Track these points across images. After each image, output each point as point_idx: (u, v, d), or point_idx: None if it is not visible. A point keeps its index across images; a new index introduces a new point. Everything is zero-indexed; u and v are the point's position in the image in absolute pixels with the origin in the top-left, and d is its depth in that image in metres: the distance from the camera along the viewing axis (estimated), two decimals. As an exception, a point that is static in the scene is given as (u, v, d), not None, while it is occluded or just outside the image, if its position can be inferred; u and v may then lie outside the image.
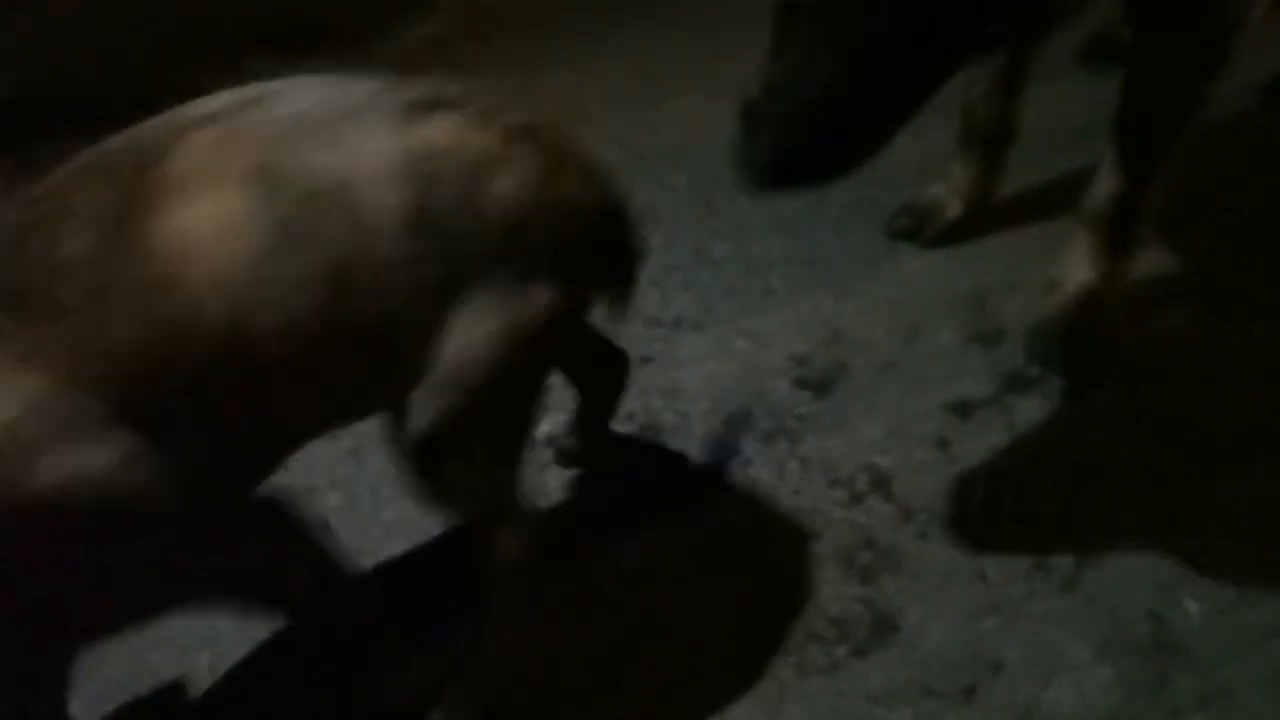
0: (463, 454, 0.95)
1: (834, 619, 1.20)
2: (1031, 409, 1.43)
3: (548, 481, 1.38)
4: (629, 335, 1.61)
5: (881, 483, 1.36)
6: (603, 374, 1.34)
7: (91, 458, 0.79)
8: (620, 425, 1.44)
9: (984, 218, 1.75)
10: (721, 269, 1.74)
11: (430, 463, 0.95)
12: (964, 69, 1.03)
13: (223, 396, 0.83)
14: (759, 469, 1.40)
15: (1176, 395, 1.41)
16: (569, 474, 1.39)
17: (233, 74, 2.31)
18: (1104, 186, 1.37)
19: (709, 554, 1.29)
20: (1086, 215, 1.41)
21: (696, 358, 1.58)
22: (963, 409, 1.45)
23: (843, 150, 0.99)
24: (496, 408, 0.94)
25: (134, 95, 2.25)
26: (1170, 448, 1.33)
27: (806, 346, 1.58)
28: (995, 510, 1.29)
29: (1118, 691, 1.09)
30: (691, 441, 1.44)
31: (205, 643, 1.19)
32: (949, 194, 1.71)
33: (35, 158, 2.11)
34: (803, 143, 0.97)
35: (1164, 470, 1.30)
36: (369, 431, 1.07)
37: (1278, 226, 1.67)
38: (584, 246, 0.96)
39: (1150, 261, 1.53)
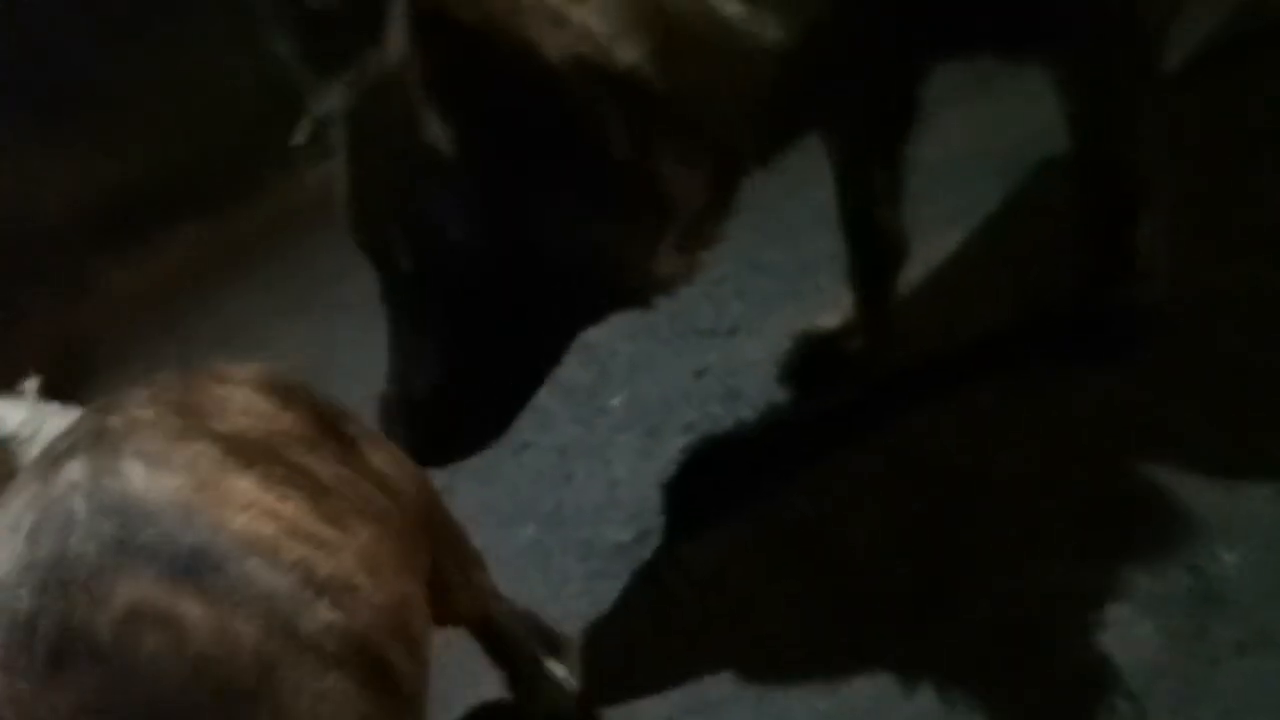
0: None
1: (892, 596, 1.29)
2: (1071, 375, 1.48)
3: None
4: (688, 348, 1.74)
5: (932, 464, 1.44)
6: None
7: None
8: (679, 436, 1.56)
9: (1022, 191, 1.80)
10: (773, 273, 1.83)
11: None
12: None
13: None
14: (816, 465, 1.49)
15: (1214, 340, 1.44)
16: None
17: (322, 139, 2.52)
18: None
19: (776, 551, 1.40)
20: None
21: (753, 363, 1.68)
22: (1002, 386, 1.51)
23: (472, 430, 1.11)
24: None
25: (235, 176, 2.48)
26: (1191, 402, 1.37)
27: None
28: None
29: (1159, 645, 1.15)
30: (754, 446, 1.55)
31: None
32: (845, 327, 1.58)
33: (152, 249, 2.35)
34: (430, 430, 1.07)
35: (1191, 430, 1.34)
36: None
37: None
38: None
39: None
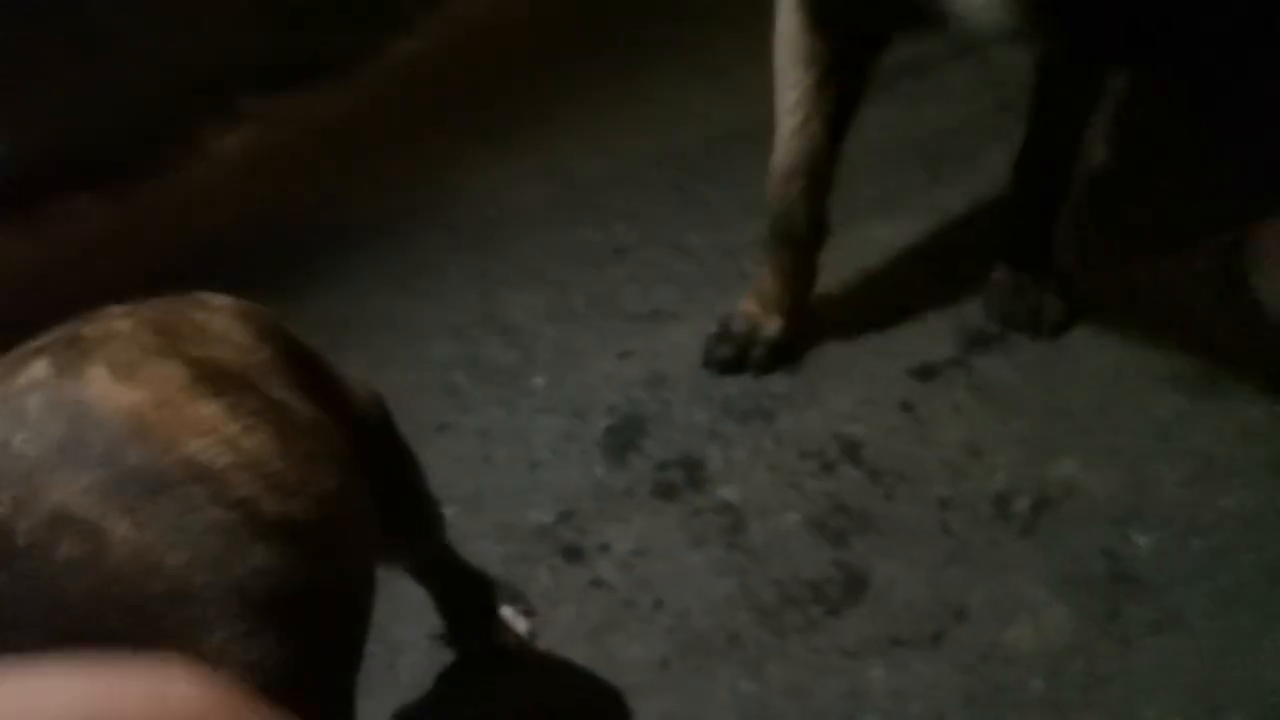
0: None
1: (809, 582, 1.29)
2: (991, 365, 1.50)
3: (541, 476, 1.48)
4: (611, 330, 1.71)
5: (851, 450, 1.44)
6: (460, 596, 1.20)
7: None
8: (602, 418, 1.54)
9: (948, 181, 1.82)
10: (698, 258, 1.82)
11: None
12: None
13: None
14: (738, 448, 1.48)
15: (1125, 334, 1.48)
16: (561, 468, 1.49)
17: (229, 115, 2.43)
18: None
19: (695, 531, 1.39)
20: None
21: (677, 346, 1.66)
22: (927, 372, 1.53)
23: None
24: None
25: (138, 149, 2.38)
26: (1115, 385, 1.40)
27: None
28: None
29: (1073, 626, 1.17)
30: (674, 429, 1.53)
31: None
32: (765, 312, 1.56)
33: (49, 219, 2.24)
34: None
35: (1111, 407, 1.37)
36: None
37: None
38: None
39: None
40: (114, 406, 0.65)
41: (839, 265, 1.73)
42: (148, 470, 0.62)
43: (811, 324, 1.59)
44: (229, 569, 0.61)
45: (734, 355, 1.57)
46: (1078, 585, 1.21)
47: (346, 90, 2.39)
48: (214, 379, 0.70)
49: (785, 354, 1.57)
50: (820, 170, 1.46)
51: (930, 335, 1.58)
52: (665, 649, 1.24)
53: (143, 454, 0.63)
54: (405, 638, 1.27)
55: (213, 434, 0.66)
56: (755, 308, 1.57)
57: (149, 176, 2.30)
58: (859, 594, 1.26)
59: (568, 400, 1.60)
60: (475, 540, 1.43)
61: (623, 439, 1.53)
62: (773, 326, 1.57)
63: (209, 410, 0.68)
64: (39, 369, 0.67)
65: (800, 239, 1.52)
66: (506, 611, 1.25)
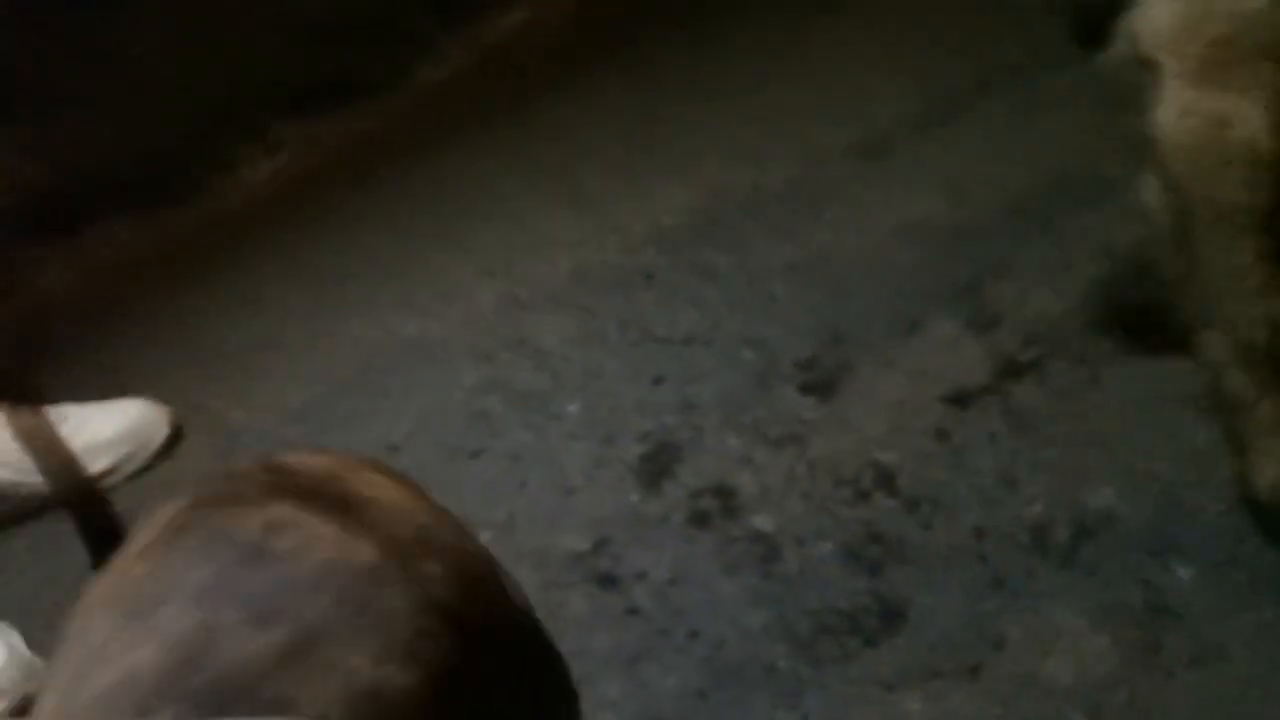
0: None
1: (845, 612, 1.29)
2: (1028, 394, 1.50)
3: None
4: (641, 356, 1.72)
5: (886, 478, 1.44)
6: None
7: None
8: (635, 445, 1.55)
9: (972, 202, 1.82)
10: (725, 283, 1.83)
11: None
12: None
13: None
14: (771, 475, 1.49)
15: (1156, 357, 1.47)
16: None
17: (262, 141, 2.46)
18: None
19: (730, 559, 1.39)
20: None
21: (707, 373, 1.67)
22: (962, 399, 1.52)
23: None
24: None
25: (174, 175, 2.41)
26: (1149, 411, 1.39)
27: (811, 350, 1.66)
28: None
29: (1113, 658, 1.16)
30: (707, 455, 1.53)
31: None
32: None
33: (85, 247, 2.27)
34: None
35: (1146, 434, 1.36)
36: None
37: None
38: None
39: None
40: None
41: (867, 289, 1.73)
42: (345, 497, 0.73)
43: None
44: (412, 567, 0.70)
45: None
46: (1117, 616, 1.20)
47: (377, 114, 2.42)
48: None
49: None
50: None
51: (964, 361, 1.58)
52: (701, 679, 1.24)
53: (341, 488, 0.75)
54: None
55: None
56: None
57: (185, 202, 2.33)
58: (896, 625, 1.26)
59: (600, 426, 1.61)
60: (510, 567, 1.43)
61: (656, 465, 1.54)
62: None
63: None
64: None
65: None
66: None
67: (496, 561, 0.86)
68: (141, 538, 0.70)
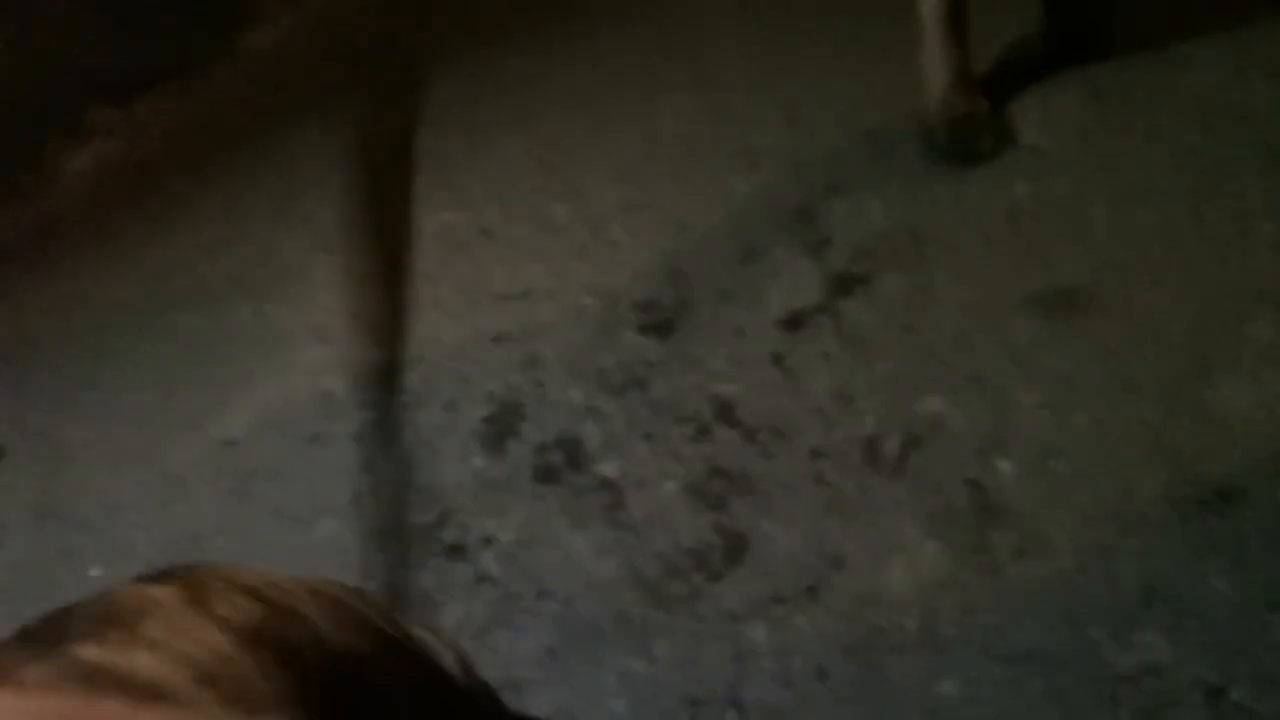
0: None
1: (691, 550, 1.29)
2: (856, 309, 1.51)
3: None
4: (481, 315, 1.69)
5: (725, 411, 1.44)
6: None
7: None
8: (479, 408, 1.52)
9: (805, 126, 1.81)
10: (565, 232, 1.80)
11: None
12: None
13: None
14: (615, 422, 1.48)
15: (980, 261, 1.49)
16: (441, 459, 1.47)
17: (75, 130, 2.32)
18: None
19: (577, 513, 1.38)
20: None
21: (550, 325, 1.65)
22: (795, 322, 1.53)
23: None
24: None
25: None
26: (974, 314, 1.41)
27: (651, 291, 1.65)
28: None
29: (945, 562, 1.19)
30: (551, 409, 1.52)
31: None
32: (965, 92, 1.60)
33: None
34: None
35: (972, 337, 1.38)
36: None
37: None
38: None
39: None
40: None
41: (706, 223, 1.72)
42: None
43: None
44: None
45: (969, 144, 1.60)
46: (946, 520, 1.23)
47: (196, 92, 2.31)
48: None
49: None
50: None
51: (798, 284, 1.58)
52: (552, 638, 1.24)
53: None
54: None
55: None
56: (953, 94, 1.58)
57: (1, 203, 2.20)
58: (739, 556, 1.27)
59: (441, 393, 1.58)
60: (358, 549, 1.41)
61: (500, 426, 1.52)
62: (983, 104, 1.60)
63: None
64: None
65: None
66: None
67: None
68: None
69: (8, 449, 1.62)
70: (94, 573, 1.45)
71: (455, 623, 1.28)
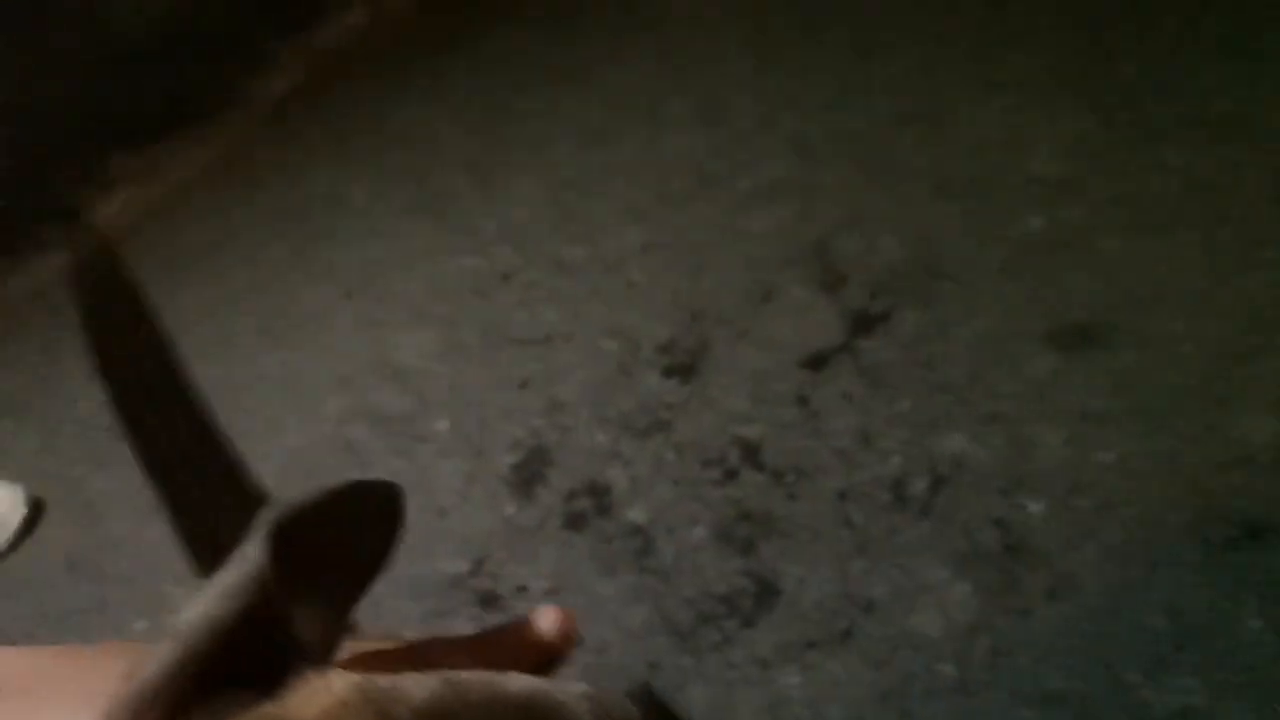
0: None
1: (722, 596, 1.31)
2: (875, 347, 1.52)
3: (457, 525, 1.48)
4: (504, 361, 1.71)
5: (750, 453, 1.46)
6: None
7: None
8: (506, 455, 1.54)
9: (815, 159, 1.83)
10: (582, 273, 1.82)
11: None
12: None
13: None
14: (641, 465, 1.49)
15: (995, 297, 1.51)
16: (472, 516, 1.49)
17: (103, 174, 2.35)
18: None
19: (606, 559, 1.40)
20: None
21: (570, 368, 1.66)
22: (816, 361, 1.54)
23: None
24: None
25: (11, 228, 2.30)
26: (990, 350, 1.42)
27: (670, 332, 1.67)
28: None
29: (975, 603, 1.20)
30: (577, 455, 1.53)
31: None
32: None
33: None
34: None
35: (989, 373, 1.39)
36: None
37: None
38: None
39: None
40: None
41: (721, 262, 1.74)
42: None
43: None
44: None
45: None
46: (975, 561, 1.24)
47: (216, 137, 2.34)
48: None
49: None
50: None
51: (816, 323, 1.60)
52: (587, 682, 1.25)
53: None
54: None
55: None
56: None
57: (22, 257, 2.23)
58: (771, 601, 1.28)
59: (469, 440, 1.60)
60: (391, 600, 1.42)
61: (528, 473, 1.53)
62: None
63: None
64: None
65: None
66: None
67: None
68: None
69: (43, 507, 1.65)
70: (139, 626, 1.47)
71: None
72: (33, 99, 2.28)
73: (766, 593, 1.29)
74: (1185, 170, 1.60)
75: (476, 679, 0.35)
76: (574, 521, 1.45)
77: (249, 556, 0.34)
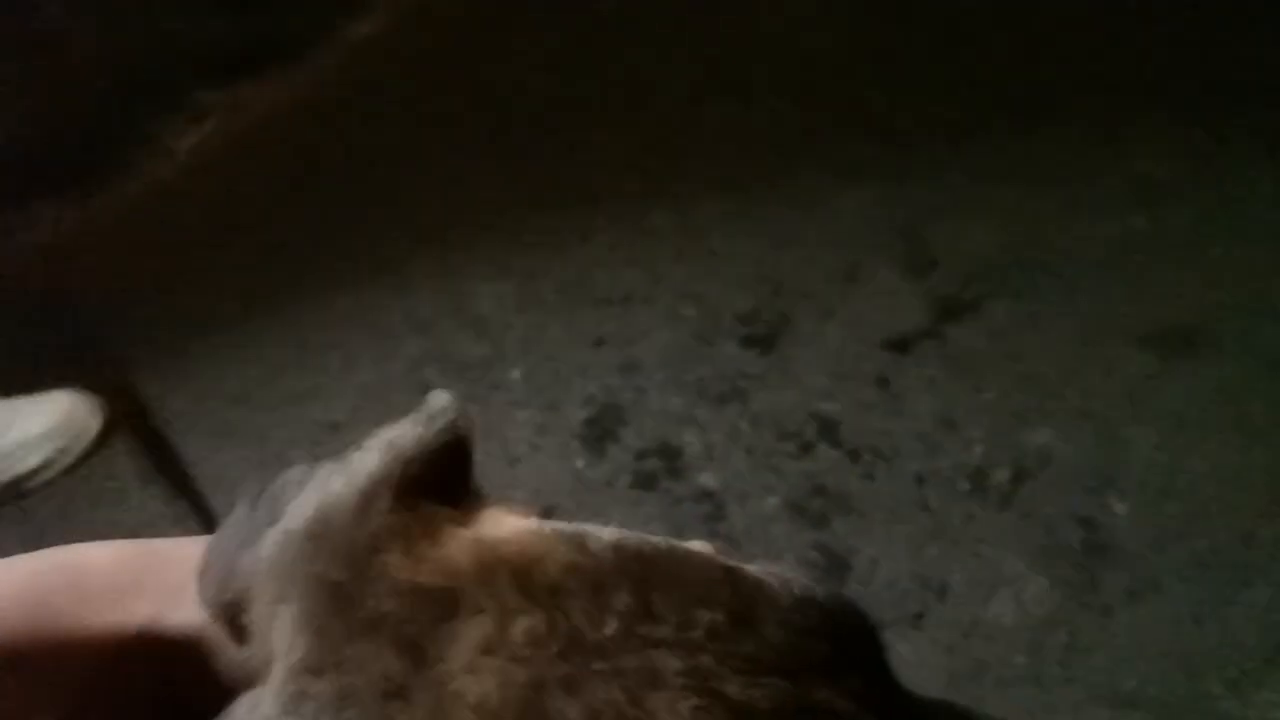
0: None
1: (791, 568, 1.29)
2: (963, 335, 1.50)
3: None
4: (582, 317, 1.70)
5: (829, 429, 1.44)
6: None
7: None
8: (579, 409, 1.53)
9: (905, 142, 1.80)
10: (664, 238, 1.81)
11: None
12: None
13: None
14: (715, 433, 1.48)
15: (1093, 294, 1.48)
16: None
17: (190, 110, 2.37)
18: None
19: (676, 520, 1.39)
20: None
21: (648, 331, 1.66)
22: (901, 345, 1.52)
23: None
24: None
25: (96, 152, 2.33)
26: (1085, 347, 1.40)
27: (751, 303, 1.65)
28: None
29: (1053, 597, 1.18)
30: (650, 416, 1.53)
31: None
32: None
33: (6, 229, 2.20)
34: None
35: (1082, 370, 1.37)
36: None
37: None
38: None
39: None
40: None
41: (806, 238, 1.72)
42: None
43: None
44: None
45: None
46: (1056, 556, 1.21)
47: (304, 76, 2.35)
48: None
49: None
50: None
51: (902, 306, 1.57)
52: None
53: None
54: None
55: None
56: None
57: (108, 180, 2.26)
58: (841, 577, 1.27)
59: (542, 392, 1.59)
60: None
61: (600, 429, 1.53)
62: None
63: None
64: None
65: None
66: None
67: None
68: None
69: (119, 420, 1.67)
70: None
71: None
72: (128, 33, 2.31)
73: (837, 568, 1.28)
74: (1298, 182, 1.55)
75: (654, 537, 0.35)
76: (644, 481, 1.44)
77: (441, 402, 0.35)
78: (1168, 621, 1.13)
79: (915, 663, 1.17)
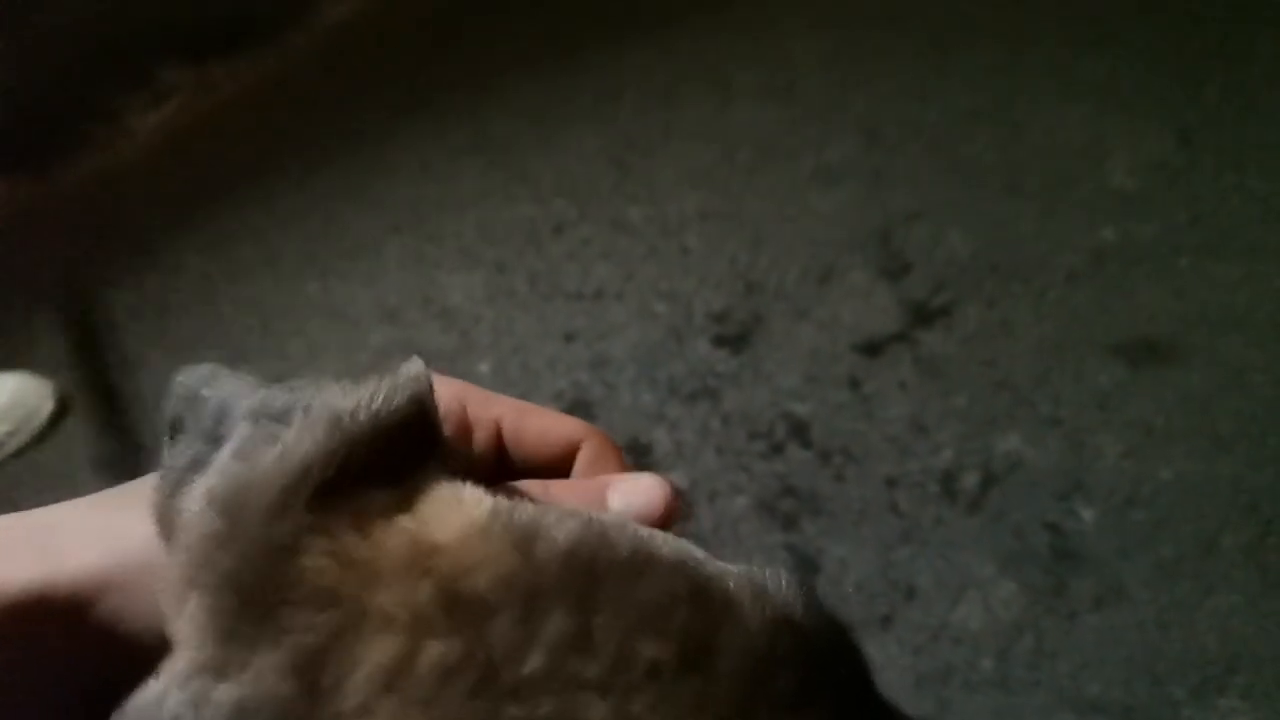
0: None
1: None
2: (935, 339, 1.50)
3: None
4: (552, 311, 1.69)
5: (799, 430, 1.43)
6: None
7: None
8: (548, 404, 1.51)
9: (885, 146, 1.81)
10: (638, 234, 1.79)
11: None
12: None
13: None
14: (686, 430, 1.47)
15: (1066, 303, 1.48)
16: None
17: (151, 87, 2.33)
18: None
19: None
20: None
21: (619, 327, 1.64)
22: (873, 347, 1.52)
23: None
24: None
25: (57, 129, 2.28)
26: (1056, 354, 1.40)
27: (724, 302, 1.64)
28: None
29: (1020, 602, 1.18)
30: (621, 412, 1.51)
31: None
32: None
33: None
34: None
35: (1053, 377, 1.37)
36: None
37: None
38: None
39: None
40: None
41: (782, 238, 1.71)
42: None
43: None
44: None
45: None
46: (1024, 561, 1.22)
47: (273, 57, 2.31)
48: None
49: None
50: None
51: (875, 309, 1.57)
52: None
53: None
54: None
55: None
56: None
57: (68, 157, 2.20)
58: (810, 578, 1.26)
59: (511, 386, 1.57)
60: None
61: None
62: None
63: None
64: None
65: None
66: None
67: None
68: None
69: (71, 403, 1.63)
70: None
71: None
72: (93, 6, 2.25)
73: (806, 569, 1.27)
74: (1266, 200, 1.57)
75: (623, 531, 0.32)
76: (613, 478, 1.43)
77: (413, 371, 0.32)
78: (1133, 627, 1.14)
79: (882, 665, 1.16)
